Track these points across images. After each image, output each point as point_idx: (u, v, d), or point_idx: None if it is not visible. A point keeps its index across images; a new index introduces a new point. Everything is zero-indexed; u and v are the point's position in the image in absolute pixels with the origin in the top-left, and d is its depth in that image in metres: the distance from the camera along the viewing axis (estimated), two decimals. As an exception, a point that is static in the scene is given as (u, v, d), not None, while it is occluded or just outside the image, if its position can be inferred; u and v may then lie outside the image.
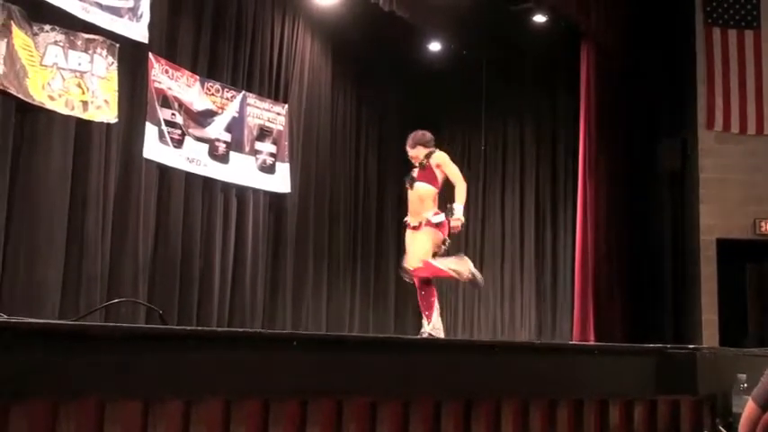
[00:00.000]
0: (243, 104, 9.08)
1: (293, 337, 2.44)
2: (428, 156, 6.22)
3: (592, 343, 8.20)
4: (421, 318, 6.25)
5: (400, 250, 11.31)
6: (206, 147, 8.63)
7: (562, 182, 10.90)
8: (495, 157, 11.53)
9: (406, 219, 6.39)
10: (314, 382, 2.42)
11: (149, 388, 2.13)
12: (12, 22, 6.66)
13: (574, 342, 8.83)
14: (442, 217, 6.07)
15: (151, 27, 7.84)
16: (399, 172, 11.55)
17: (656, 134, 9.98)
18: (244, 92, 9.12)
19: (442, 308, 11.64)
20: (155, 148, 8.01)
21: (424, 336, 6.01)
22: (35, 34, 6.90)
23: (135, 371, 2.10)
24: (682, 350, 3.41)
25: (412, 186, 6.29)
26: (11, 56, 6.65)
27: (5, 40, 6.61)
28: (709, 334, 9.07)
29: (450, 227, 6.05)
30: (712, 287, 9.28)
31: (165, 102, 8.18)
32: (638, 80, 9.87)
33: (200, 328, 2.62)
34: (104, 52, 7.44)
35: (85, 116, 7.26)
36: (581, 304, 9.15)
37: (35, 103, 6.85)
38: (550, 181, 11.07)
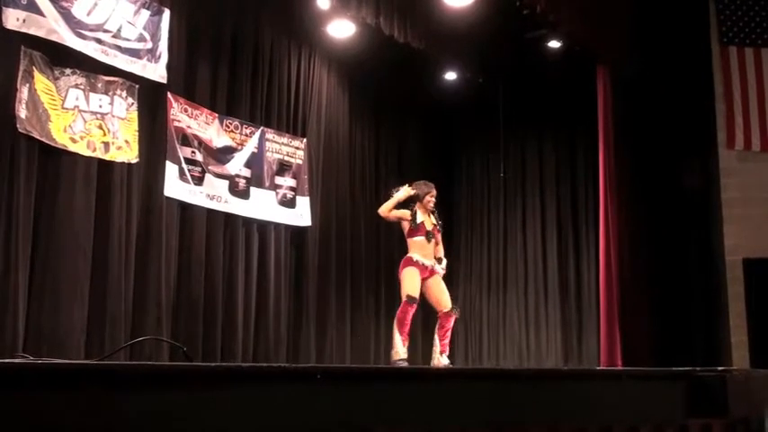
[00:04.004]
0: (262, 140, 9.16)
1: (317, 371, 2.43)
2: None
3: (619, 368, 8.12)
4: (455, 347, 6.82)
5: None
6: (226, 183, 8.69)
7: (583, 205, 10.87)
8: (515, 183, 11.52)
9: (424, 262, 6.97)
10: (339, 415, 2.40)
11: (175, 426, 2.12)
12: (33, 67, 6.79)
13: (601, 367, 8.73)
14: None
15: (169, 67, 7.96)
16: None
17: (677, 155, 9.92)
18: (262, 127, 9.20)
19: (466, 335, 11.75)
20: (175, 186, 8.08)
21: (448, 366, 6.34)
22: (56, 78, 7.02)
23: (160, 409, 2.10)
24: (712, 373, 3.36)
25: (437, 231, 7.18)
26: (33, 100, 6.77)
27: (27, 84, 6.72)
28: (740, 355, 8.92)
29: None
30: (741, 308, 9.15)
31: (185, 140, 8.27)
32: (656, 101, 9.83)
33: (224, 363, 2.62)
34: (124, 93, 7.55)
35: (107, 157, 7.35)
36: (607, 328, 9.06)
37: (57, 145, 6.95)
38: (571, 205, 11.04)
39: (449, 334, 7.01)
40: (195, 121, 8.39)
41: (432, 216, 7.17)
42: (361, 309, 10.39)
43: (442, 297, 7.01)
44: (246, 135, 8.99)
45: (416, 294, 6.83)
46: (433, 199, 7.19)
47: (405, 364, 6.61)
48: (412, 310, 6.83)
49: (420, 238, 7.00)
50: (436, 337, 6.96)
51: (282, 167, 9.39)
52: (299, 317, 9.40)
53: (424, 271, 6.94)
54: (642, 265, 9.50)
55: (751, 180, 9.43)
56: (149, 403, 2.07)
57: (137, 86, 7.65)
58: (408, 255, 7.00)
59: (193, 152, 8.36)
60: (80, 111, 7.19)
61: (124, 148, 7.50)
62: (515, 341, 11.19)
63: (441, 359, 6.86)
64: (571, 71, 10.27)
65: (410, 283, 6.83)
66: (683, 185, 9.85)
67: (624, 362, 8.67)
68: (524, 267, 11.32)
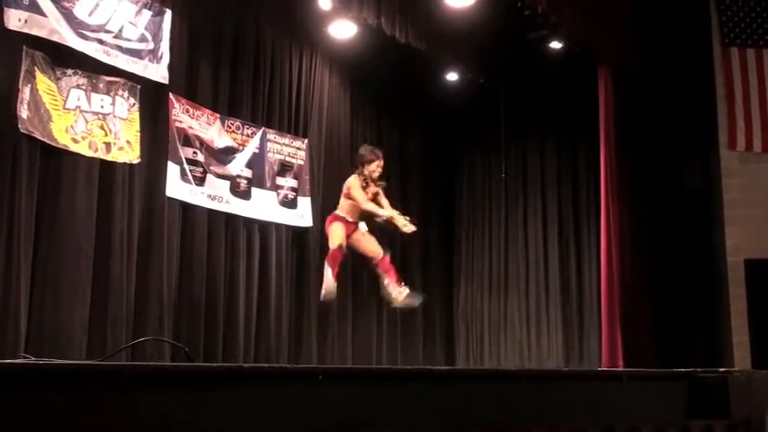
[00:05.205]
0: (263, 140, 9.16)
1: (318, 371, 2.44)
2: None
3: (621, 369, 8.11)
4: None
5: (425, 278, 11.32)
6: (228, 183, 8.70)
7: (585, 206, 10.86)
8: (517, 183, 11.52)
9: (348, 218, 7.12)
10: (340, 415, 2.40)
11: (177, 426, 2.12)
12: (35, 67, 6.79)
13: (602, 368, 8.73)
14: None
15: (171, 68, 7.96)
16: (420, 200, 11.60)
17: (678, 156, 9.91)
18: (264, 128, 9.20)
19: (467, 335, 11.69)
20: (177, 187, 8.09)
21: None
22: (58, 78, 7.03)
23: (162, 409, 2.10)
24: (713, 374, 3.36)
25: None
26: (35, 100, 6.77)
27: (29, 85, 6.73)
28: (741, 356, 8.91)
29: None
30: (742, 308, 9.14)
31: (187, 140, 8.27)
32: (658, 102, 9.82)
33: (225, 364, 2.63)
34: (126, 94, 7.56)
35: (108, 157, 7.35)
36: (608, 328, 9.06)
37: (59, 145, 6.95)
38: (573, 205, 11.03)
39: (393, 271, 7.12)
40: (197, 122, 8.40)
41: (374, 184, 7.22)
42: (362, 309, 10.38)
43: (372, 246, 7.18)
44: (248, 135, 9.00)
45: (344, 243, 7.03)
46: (379, 169, 7.28)
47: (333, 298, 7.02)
48: (340, 256, 7.01)
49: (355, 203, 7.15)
50: (386, 279, 7.05)
51: (284, 168, 9.40)
52: (300, 317, 9.40)
53: (348, 226, 7.11)
54: (643, 266, 9.49)
55: (752, 181, 9.42)
56: (151, 404, 2.07)
57: (138, 87, 7.66)
58: (336, 212, 7.18)
59: (195, 152, 8.37)
60: (82, 111, 7.19)
61: (126, 148, 7.51)
62: (516, 342, 11.18)
63: (401, 290, 7.00)
64: (572, 72, 10.26)
65: (336, 234, 7.01)
66: (685, 186, 9.84)
67: (625, 362, 8.66)
68: (525, 268, 11.31)
